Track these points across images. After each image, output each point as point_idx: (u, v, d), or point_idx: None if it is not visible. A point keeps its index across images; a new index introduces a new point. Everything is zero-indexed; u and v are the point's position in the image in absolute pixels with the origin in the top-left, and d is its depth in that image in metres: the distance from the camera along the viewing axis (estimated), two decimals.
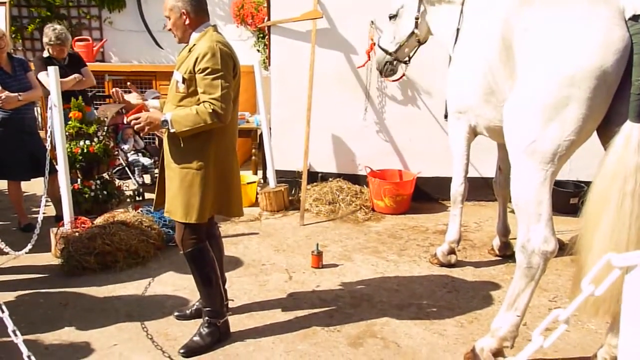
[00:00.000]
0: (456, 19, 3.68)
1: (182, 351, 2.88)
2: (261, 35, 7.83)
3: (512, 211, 2.80)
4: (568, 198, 5.09)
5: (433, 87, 5.30)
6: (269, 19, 5.60)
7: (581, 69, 2.24)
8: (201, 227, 2.88)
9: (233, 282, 3.71)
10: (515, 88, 2.55)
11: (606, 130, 2.37)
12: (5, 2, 7.49)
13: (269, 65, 5.78)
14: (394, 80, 5.24)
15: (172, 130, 2.69)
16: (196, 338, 2.93)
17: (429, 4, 3.92)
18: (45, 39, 4.93)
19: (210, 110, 2.61)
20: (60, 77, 4.81)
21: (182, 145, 2.74)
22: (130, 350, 2.93)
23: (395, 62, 4.35)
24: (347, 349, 2.94)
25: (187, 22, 2.76)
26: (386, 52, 4.29)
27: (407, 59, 4.35)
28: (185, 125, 2.65)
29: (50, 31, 4.90)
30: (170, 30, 2.85)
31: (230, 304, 3.32)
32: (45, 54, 4.99)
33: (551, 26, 2.36)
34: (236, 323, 3.17)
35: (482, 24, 3.22)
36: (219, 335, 2.97)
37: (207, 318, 2.96)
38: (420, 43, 4.19)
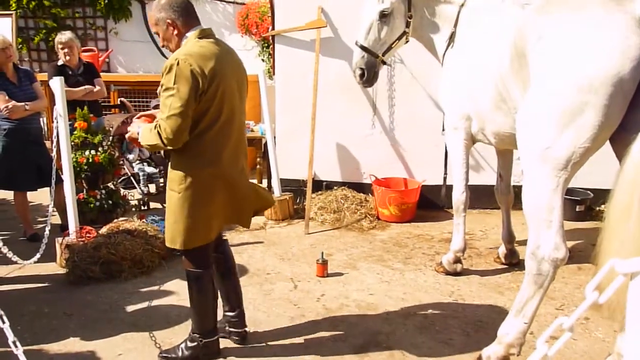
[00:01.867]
0: (451, 22, 3.62)
1: (161, 355, 2.89)
2: (266, 44, 7.87)
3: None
4: (574, 205, 5.06)
5: (438, 95, 5.30)
6: (273, 29, 5.62)
7: (598, 76, 2.24)
8: (200, 253, 2.72)
9: None
10: (529, 95, 2.55)
11: (621, 138, 2.35)
12: (11, 14, 7.56)
13: (274, 74, 5.80)
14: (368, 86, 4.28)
15: (143, 144, 2.62)
16: (177, 349, 2.88)
17: (421, 2, 3.72)
18: (56, 46, 5.07)
19: (156, 132, 2.46)
20: (74, 86, 4.92)
21: (169, 163, 2.66)
22: None
23: (379, 66, 3.90)
24: (352, 359, 2.92)
25: (176, 32, 2.58)
26: (374, 54, 3.81)
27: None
28: (146, 140, 2.55)
29: (58, 36, 5.05)
30: (164, 46, 2.67)
31: None
32: (60, 62, 5.08)
33: (567, 33, 2.36)
34: None
35: (489, 30, 3.22)
36: (199, 354, 2.85)
37: (190, 332, 2.89)
38: (399, 40, 3.87)
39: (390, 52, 3.90)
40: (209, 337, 2.86)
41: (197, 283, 2.79)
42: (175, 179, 2.60)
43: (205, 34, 2.62)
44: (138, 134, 2.64)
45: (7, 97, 4.37)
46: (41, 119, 5.11)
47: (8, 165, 4.49)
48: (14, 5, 8.08)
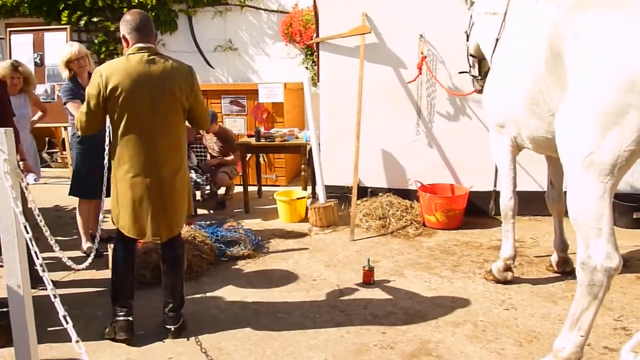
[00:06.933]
0: (496, 30, 3.62)
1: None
2: (309, 52, 7.91)
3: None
4: (632, 212, 4.87)
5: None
6: (317, 36, 5.65)
7: None
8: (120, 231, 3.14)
9: (284, 297, 3.72)
10: (566, 97, 2.46)
11: None
12: (66, 28, 7.89)
13: (318, 81, 5.82)
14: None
15: None
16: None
17: (477, 17, 3.93)
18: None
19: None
20: None
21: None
22: None
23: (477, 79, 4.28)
24: None
25: (126, 44, 3.01)
26: (468, 72, 4.37)
27: (477, 74, 4.25)
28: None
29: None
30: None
31: (281, 318, 3.33)
32: None
33: (607, 31, 2.27)
34: (288, 338, 3.17)
35: (524, 32, 3.14)
36: (115, 327, 3.18)
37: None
38: (475, 57, 4.14)
39: (473, 67, 4.25)
40: (117, 312, 3.18)
41: (113, 253, 3.26)
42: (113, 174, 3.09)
43: (139, 50, 2.94)
44: None
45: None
46: (107, 128, 5.24)
47: (82, 172, 4.61)
48: (64, 19, 8.41)
